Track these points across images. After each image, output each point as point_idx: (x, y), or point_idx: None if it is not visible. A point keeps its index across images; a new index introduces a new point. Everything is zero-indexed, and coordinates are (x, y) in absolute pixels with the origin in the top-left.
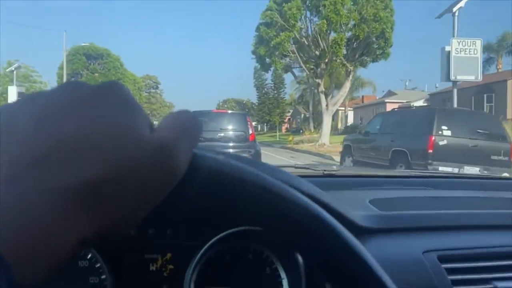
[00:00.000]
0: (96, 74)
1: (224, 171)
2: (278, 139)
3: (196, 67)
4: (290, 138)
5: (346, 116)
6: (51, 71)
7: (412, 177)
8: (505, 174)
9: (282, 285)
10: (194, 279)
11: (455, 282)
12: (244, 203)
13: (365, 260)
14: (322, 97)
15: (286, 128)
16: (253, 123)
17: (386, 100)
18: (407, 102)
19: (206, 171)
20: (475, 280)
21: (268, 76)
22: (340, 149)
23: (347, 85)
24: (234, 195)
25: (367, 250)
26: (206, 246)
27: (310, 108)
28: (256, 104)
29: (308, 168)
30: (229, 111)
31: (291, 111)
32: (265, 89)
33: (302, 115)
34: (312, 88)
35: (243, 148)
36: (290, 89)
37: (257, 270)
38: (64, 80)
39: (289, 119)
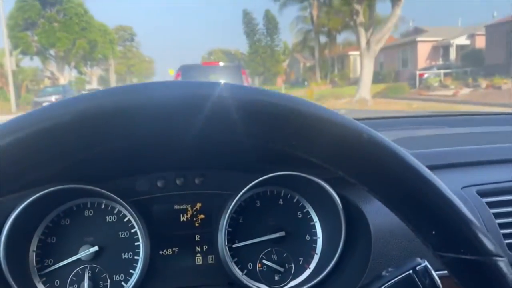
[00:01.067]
0: (55, 24)
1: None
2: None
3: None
4: (309, 92)
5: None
6: None
7: (427, 116)
8: None
9: (315, 228)
10: (227, 227)
11: (497, 215)
12: (294, 137)
13: (437, 186)
14: (361, 31)
15: (283, 81)
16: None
17: (419, 39)
18: (443, 39)
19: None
20: None
21: (260, 20)
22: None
23: (396, 13)
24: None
25: None
26: (239, 194)
27: (316, 54)
28: (248, 53)
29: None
30: (221, 63)
31: (286, 60)
32: (257, 36)
33: (302, 64)
34: (320, 28)
35: None
36: (288, 34)
37: (289, 215)
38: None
39: (285, 69)
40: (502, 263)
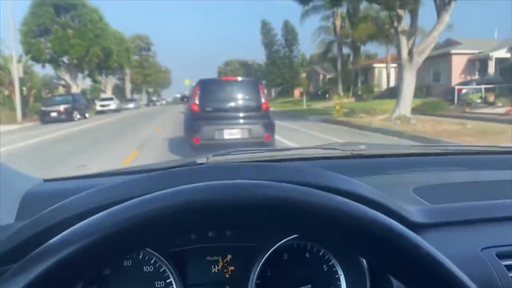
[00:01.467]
0: (69, 31)
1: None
2: (305, 107)
3: (192, 24)
4: (337, 107)
5: (388, 75)
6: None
7: (446, 154)
8: None
9: (340, 281)
10: (255, 279)
11: None
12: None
13: (432, 255)
14: (403, 40)
15: (301, 93)
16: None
17: (453, 51)
18: (480, 52)
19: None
20: None
21: (278, 31)
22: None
23: (444, 20)
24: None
25: None
26: (271, 250)
27: (338, 66)
28: (265, 64)
29: (335, 149)
30: (239, 78)
31: (304, 72)
32: (275, 46)
33: (321, 76)
34: (343, 39)
35: (255, 119)
36: (309, 45)
37: (314, 268)
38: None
39: (304, 82)
40: None
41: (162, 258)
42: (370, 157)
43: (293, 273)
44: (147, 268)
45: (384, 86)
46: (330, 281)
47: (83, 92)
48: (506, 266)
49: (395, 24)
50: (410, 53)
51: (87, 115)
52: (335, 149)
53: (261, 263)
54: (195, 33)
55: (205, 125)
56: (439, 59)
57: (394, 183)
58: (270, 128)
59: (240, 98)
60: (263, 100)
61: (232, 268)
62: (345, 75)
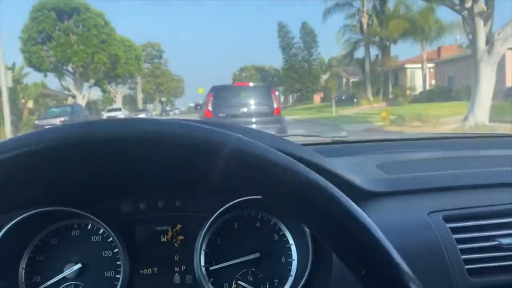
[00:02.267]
0: (72, 36)
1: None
2: (334, 114)
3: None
4: (384, 113)
5: (425, 76)
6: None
7: (422, 139)
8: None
9: (291, 251)
10: (204, 248)
11: (459, 241)
12: (244, 173)
13: (367, 227)
14: (479, 25)
15: (321, 98)
16: (277, 93)
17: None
18: None
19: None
20: (479, 238)
21: (296, 33)
22: None
23: None
24: (232, 167)
25: (374, 214)
26: (213, 216)
27: (367, 67)
28: (282, 69)
29: (317, 136)
30: (251, 84)
31: (322, 76)
32: (293, 50)
33: (344, 79)
34: (370, 38)
35: (267, 123)
36: (333, 45)
37: (266, 237)
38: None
39: (323, 86)
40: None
41: (108, 228)
42: (349, 143)
43: (243, 242)
44: (95, 238)
45: (418, 88)
46: (281, 250)
47: (94, 103)
48: (451, 228)
49: (468, 4)
50: (489, 41)
51: None
52: (317, 136)
53: (204, 231)
54: (208, 40)
55: None
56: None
57: (361, 161)
58: (282, 132)
59: (252, 103)
60: (275, 105)
61: (181, 237)
62: (373, 78)
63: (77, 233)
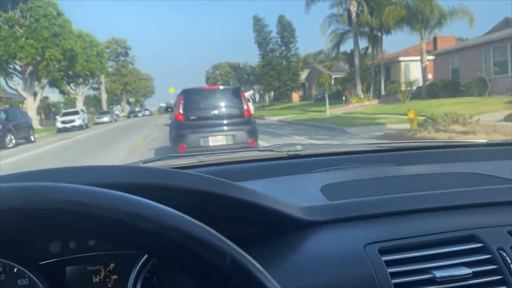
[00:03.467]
0: (18, 28)
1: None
2: (328, 114)
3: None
4: (411, 114)
5: (425, 69)
6: None
7: (378, 151)
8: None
9: None
10: (138, 287)
11: (394, 274)
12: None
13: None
14: None
15: (300, 96)
16: (251, 92)
17: None
18: None
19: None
20: (413, 271)
21: (273, 27)
22: None
23: None
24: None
25: (310, 244)
26: (146, 255)
27: (356, 61)
28: (258, 66)
29: (272, 150)
30: (221, 87)
31: (300, 73)
32: (270, 45)
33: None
34: (359, 29)
35: (237, 125)
36: (320, 39)
37: (206, 276)
38: None
39: (303, 84)
40: None
41: (28, 272)
42: (304, 157)
43: (180, 280)
44: (21, 281)
45: (414, 83)
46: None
47: (54, 105)
48: (386, 261)
49: None
50: None
51: (33, 137)
52: (271, 150)
53: (136, 270)
54: (178, 35)
55: (190, 134)
56: (503, 44)
57: (307, 183)
58: (253, 133)
59: (223, 105)
60: (245, 107)
61: (115, 277)
62: (362, 73)
63: (2, 277)
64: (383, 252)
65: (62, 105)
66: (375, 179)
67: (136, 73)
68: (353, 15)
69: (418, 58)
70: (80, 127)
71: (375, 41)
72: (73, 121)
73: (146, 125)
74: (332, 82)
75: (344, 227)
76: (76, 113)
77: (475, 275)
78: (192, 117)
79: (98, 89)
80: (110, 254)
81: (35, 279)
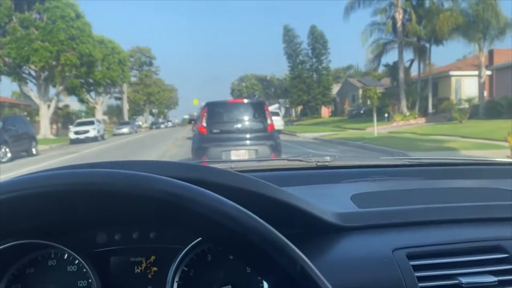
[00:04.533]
0: (34, 31)
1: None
2: (376, 133)
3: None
4: None
5: (483, 85)
6: None
7: (406, 166)
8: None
9: (262, 283)
10: (177, 280)
11: (420, 279)
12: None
13: (303, 267)
14: None
15: (331, 112)
16: (277, 106)
17: None
18: None
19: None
20: (440, 276)
21: (304, 38)
22: None
23: None
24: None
25: (340, 248)
26: (186, 248)
27: (401, 74)
28: (286, 79)
29: (301, 160)
30: (245, 100)
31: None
32: (300, 57)
33: (360, 90)
34: (405, 39)
35: (261, 140)
36: (360, 48)
37: (238, 269)
38: None
39: (333, 98)
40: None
41: (80, 259)
42: (333, 168)
43: (216, 274)
44: (70, 267)
45: (472, 100)
46: (253, 282)
47: (75, 114)
48: (414, 266)
49: None
50: None
51: (35, 150)
52: (300, 160)
53: (176, 263)
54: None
55: (212, 147)
56: None
57: (338, 191)
58: (276, 148)
59: (246, 120)
60: (269, 121)
61: (155, 269)
62: (407, 88)
63: (54, 262)
64: (411, 257)
65: (83, 114)
66: (403, 190)
67: (160, 84)
68: (399, 23)
69: (471, 72)
70: (95, 139)
71: (422, 53)
72: (87, 131)
73: (167, 138)
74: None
75: (374, 233)
76: (91, 123)
77: (500, 283)
78: (215, 131)
79: (120, 98)
80: (152, 247)
81: (85, 265)
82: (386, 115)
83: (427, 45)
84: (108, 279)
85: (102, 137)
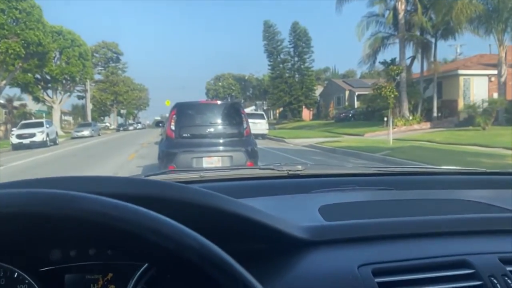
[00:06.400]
0: None
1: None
2: (391, 143)
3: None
4: None
5: (504, 84)
6: None
7: (378, 175)
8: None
9: None
10: None
11: None
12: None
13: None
14: None
15: (313, 115)
16: (251, 108)
17: None
18: None
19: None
20: None
21: (285, 35)
22: None
23: None
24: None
25: (305, 263)
26: (144, 265)
27: (404, 74)
28: (266, 79)
29: (272, 169)
30: (219, 102)
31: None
32: (282, 55)
33: (347, 92)
34: (407, 32)
35: (237, 146)
36: (356, 42)
37: (206, 285)
38: None
39: (317, 101)
40: None
41: (29, 279)
42: (304, 177)
43: None
44: (20, 287)
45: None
46: None
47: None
48: (379, 283)
49: None
50: None
51: None
52: (272, 169)
53: (134, 281)
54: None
55: (182, 153)
56: None
57: (306, 203)
58: (253, 155)
59: (220, 123)
60: (245, 125)
61: (112, 287)
62: (408, 88)
63: (2, 282)
64: (376, 273)
65: (44, 114)
66: (373, 202)
67: (128, 83)
68: (401, 14)
69: (482, 72)
70: (43, 144)
71: (426, 49)
72: (32, 135)
73: (132, 143)
74: (355, 99)
75: (340, 248)
76: (40, 125)
77: None
78: (184, 135)
79: (83, 97)
80: (109, 264)
81: (35, 285)
82: (385, 119)
83: (432, 39)
84: None
85: (55, 142)
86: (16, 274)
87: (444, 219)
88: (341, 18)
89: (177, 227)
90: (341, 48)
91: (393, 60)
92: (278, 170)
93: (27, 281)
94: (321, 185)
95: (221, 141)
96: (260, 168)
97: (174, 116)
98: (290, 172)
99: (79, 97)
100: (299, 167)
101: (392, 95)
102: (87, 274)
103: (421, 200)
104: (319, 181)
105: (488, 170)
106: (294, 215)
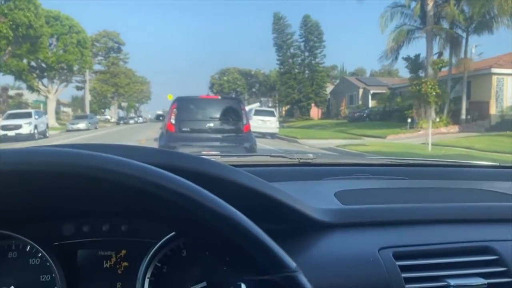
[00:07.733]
0: None
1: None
2: (430, 150)
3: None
4: None
5: None
6: None
7: (390, 166)
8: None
9: (240, 282)
10: (148, 276)
11: (407, 280)
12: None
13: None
14: None
15: (323, 114)
16: (256, 105)
17: None
18: None
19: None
20: (427, 278)
21: (295, 28)
22: None
23: None
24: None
25: (324, 245)
26: (160, 242)
27: (429, 70)
28: (273, 75)
29: (284, 157)
30: (220, 97)
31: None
32: (292, 50)
33: (361, 90)
34: (436, 25)
35: (236, 142)
36: (379, 35)
37: (214, 266)
38: None
39: (327, 99)
40: (298, 276)
41: (43, 251)
42: (315, 165)
43: (190, 270)
44: (33, 261)
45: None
46: (229, 280)
47: (30, 105)
48: (400, 266)
49: None
50: None
51: None
52: (283, 157)
53: (148, 258)
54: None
55: (181, 147)
56: None
57: (321, 188)
58: (251, 151)
59: (220, 118)
60: (244, 121)
61: (125, 264)
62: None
63: (14, 255)
64: (397, 257)
65: (42, 105)
66: (389, 189)
67: (130, 75)
68: (430, 5)
69: None
70: (30, 136)
71: (455, 44)
72: (18, 127)
73: (129, 138)
74: (369, 98)
75: (359, 231)
76: (27, 115)
77: (490, 286)
78: (184, 129)
79: (82, 88)
80: (123, 240)
81: (49, 258)
82: (409, 120)
83: (465, 34)
84: (74, 274)
85: (44, 135)
86: (28, 247)
87: (464, 206)
88: (348, 16)
89: (214, 198)
90: (350, 46)
91: (417, 56)
92: (290, 158)
93: (39, 254)
94: (332, 173)
95: (220, 136)
96: (271, 155)
97: (175, 110)
98: (301, 160)
99: (78, 88)
100: (310, 155)
101: (434, 93)
102: (100, 250)
103: (439, 188)
104: (332, 169)
105: (500, 164)
106: (311, 199)
